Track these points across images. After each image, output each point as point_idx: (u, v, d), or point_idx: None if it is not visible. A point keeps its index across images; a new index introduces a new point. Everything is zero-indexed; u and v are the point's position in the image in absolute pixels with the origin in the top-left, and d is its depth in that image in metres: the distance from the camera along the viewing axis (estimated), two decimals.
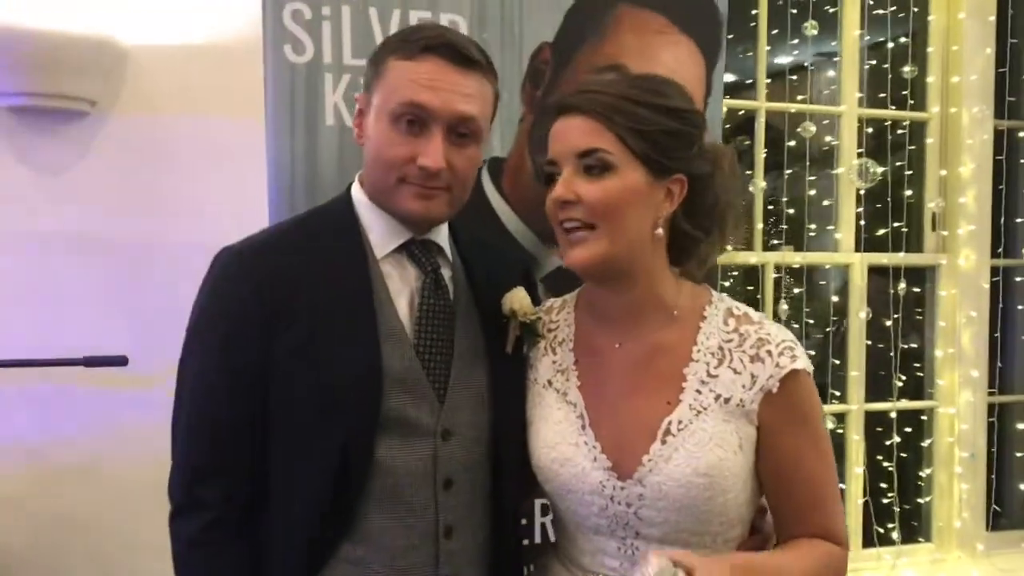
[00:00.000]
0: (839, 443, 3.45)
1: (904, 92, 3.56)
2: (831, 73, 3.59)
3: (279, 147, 2.04)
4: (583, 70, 2.19)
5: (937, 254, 3.62)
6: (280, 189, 2.04)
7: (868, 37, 3.54)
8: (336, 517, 1.48)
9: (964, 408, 3.59)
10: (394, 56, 1.52)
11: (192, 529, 1.48)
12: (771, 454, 1.51)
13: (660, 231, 1.51)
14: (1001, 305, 3.66)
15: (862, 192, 3.48)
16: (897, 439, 3.51)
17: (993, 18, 3.55)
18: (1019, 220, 3.68)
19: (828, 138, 3.55)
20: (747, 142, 3.41)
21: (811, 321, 3.46)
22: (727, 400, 1.49)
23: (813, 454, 1.52)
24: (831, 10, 3.50)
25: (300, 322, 1.48)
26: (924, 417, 3.68)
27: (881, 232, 3.51)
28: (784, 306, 3.38)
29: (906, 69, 3.51)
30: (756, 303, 3.33)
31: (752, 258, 3.38)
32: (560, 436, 1.55)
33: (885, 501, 3.51)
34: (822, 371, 3.43)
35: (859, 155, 3.47)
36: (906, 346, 3.58)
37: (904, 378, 3.57)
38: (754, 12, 3.38)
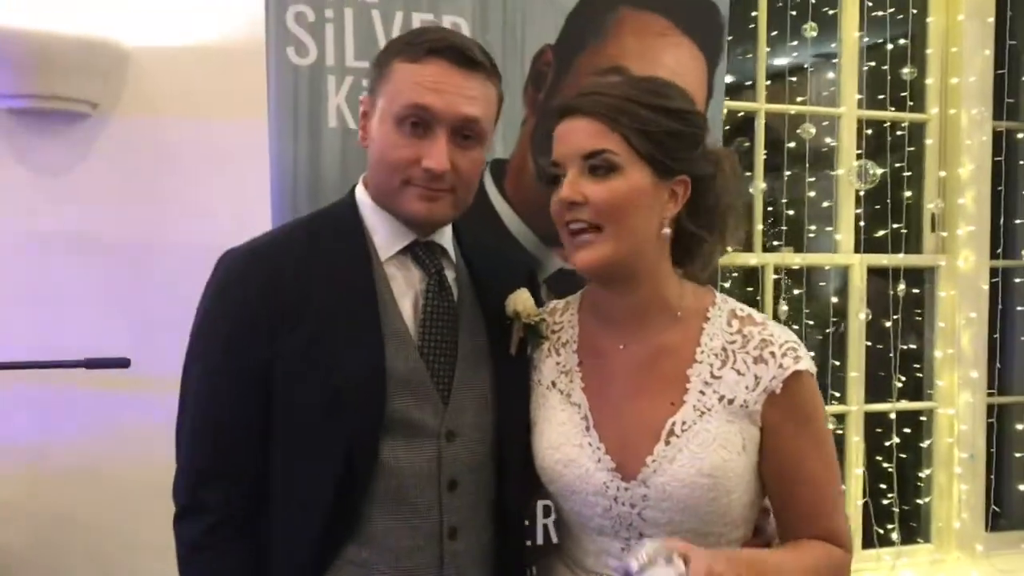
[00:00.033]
0: (839, 444, 3.46)
1: (903, 93, 3.58)
2: (830, 75, 3.60)
3: (282, 149, 2.04)
4: (585, 72, 2.19)
5: (936, 255, 3.63)
6: (282, 191, 2.03)
7: (867, 39, 3.55)
8: (340, 519, 1.48)
9: (963, 409, 3.60)
10: (398, 59, 1.52)
11: (196, 532, 1.48)
12: (774, 455, 1.51)
13: (667, 231, 1.52)
14: (1000, 306, 3.68)
15: (861, 193, 3.50)
16: (896, 440, 3.53)
17: (992, 20, 3.57)
18: (1018, 221, 3.69)
19: (827, 139, 3.55)
20: (746, 143, 3.42)
21: (811, 322, 3.47)
22: (731, 401, 1.50)
23: (816, 455, 1.52)
24: (830, 12, 3.50)
25: (304, 324, 1.48)
26: (923, 418, 3.70)
27: (880, 233, 3.53)
28: (784, 307, 3.39)
29: (905, 70, 3.52)
30: (756, 304, 3.33)
31: (752, 259, 3.38)
32: (564, 437, 1.55)
33: (885, 502, 3.52)
34: (822, 372, 3.43)
35: (858, 156, 3.48)
36: (905, 347, 3.59)
37: (903, 379, 3.59)
38: (753, 14, 3.39)
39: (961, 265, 3.60)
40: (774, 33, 3.43)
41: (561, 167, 1.50)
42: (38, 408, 2.38)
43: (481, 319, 1.63)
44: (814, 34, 3.37)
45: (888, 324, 3.50)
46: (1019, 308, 3.73)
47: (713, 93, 2.35)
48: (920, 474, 3.70)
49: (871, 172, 3.40)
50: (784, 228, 3.44)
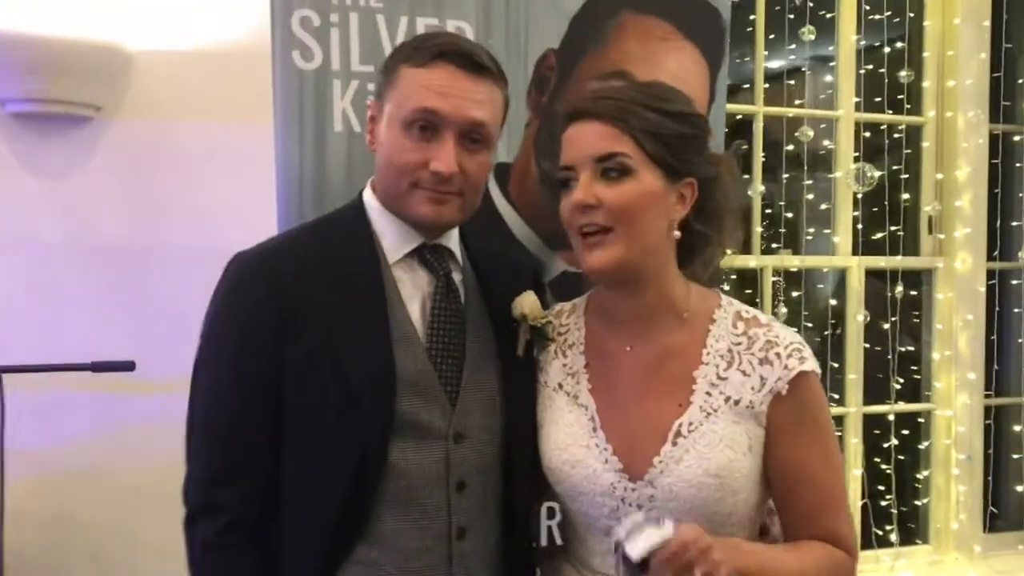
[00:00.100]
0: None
1: (900, 96, 3.60)
2: (828, 78, 3.62)
3: (287, 153, 2.05)
4: (588, 77, 2.20)
5: (933, 257, 3.65)
6: (288, 195, 2.04)
7: (864, 42, 3.56)
8: (350, 519, 1.49)
9: (961, 410, 3.62)
10: (406, 64, 1.53)
11: (208, 532, 1.48)
12: (777, 454, 1.52)
13: (677, 233, 1.53)
14: (997, 308, 3.70)
15: (859, 196, 3.51)
16: (895, 441, 3.54)
17: (988, 23, 3.59)
18: (1015, 223, 3.71)
19: (825, 142, 3.57)
20: (744, 146, 3.43)
21: (809, 324, 3.48)
22: (737, 402, 1.51)
23: (818, 455, 1.53)
24: (828, 15, 3.52)
25: (314, 328, 1.49)
26: (921, 420, 3.71)
27: (878, 235, 3.54)
28: (783, 309, 3.40)
29: (902, 74, 3.54)
30: (754, 307, 3.32)
31: (751, 262, 3.39)
32: (571, 438, 1.56)
33: (883, 503, 3.53)
34: (820, 374, 3.44)
35: (856, 159, 3.49)
36: (903, 349, 3.60)
37: (901, 381, 3.60)
38: (752, 17, 3.40)
39: (958, 267, 3.61)
40: (772, 36, 3.45)
41: (573, 171, 1.51)
42: (45, 411, 2.37)
43: (488, 321, 1.64)
44: (812, 37, 3.39)
45: (886, 326, 3.51)
46: (1016, 310, 3.75)
47: (715, 97, 2.37)
48: (918, 475, 3.71)
49: (868, 175, 3.42)
50: (782, 230, 3.45)
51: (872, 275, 3.55)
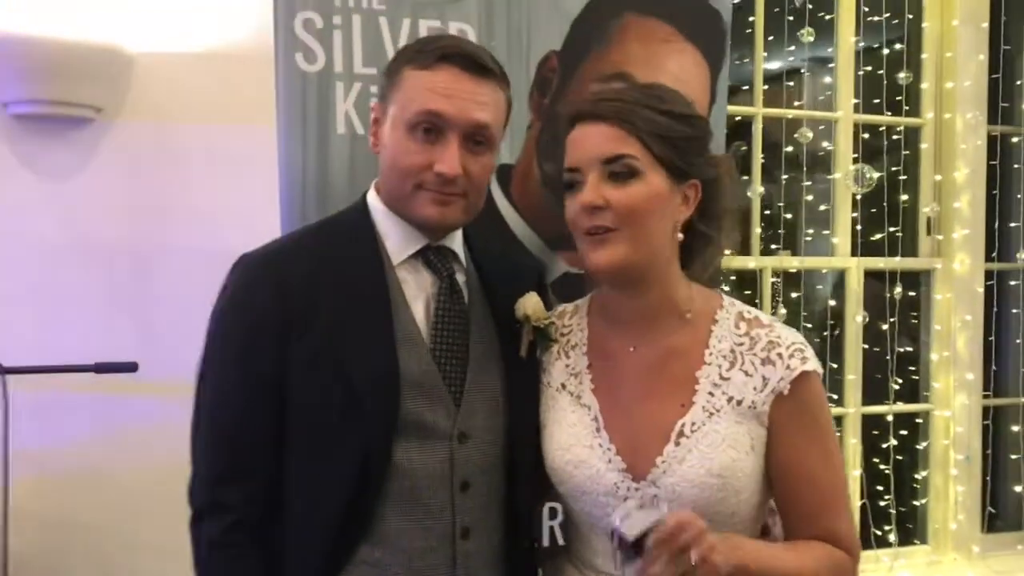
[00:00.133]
0: None
1: (899, 98, 3.60)
2: (827, 79, 3.62)
3: (290, 155, 2.05)
4: (589, 78, 2.21)
5: (932, 258, 3.66)
6: (291, 197, 2.04)
7: (863, 43, 3.57)
8: (354, 519, 1.49)
9: (959, 411, 3.63)
10: (410, 66, 1.54)
11: (214, 531, 1.49)
12: (779, 455, 1.53)
13: (681, 235, 1.55)
14: (995, 309, 3.70)
15: (858, 197, 3.51)
16: (893, 442, 3.54)
17: (986, 25, 3.60)
18: (1013, 224, 3.71)
19: (824, 143, 3.58)
20: (744, 147, 3.44)
21: (808, 325, 3.49)
22: (739, 402, 1.52)
23: (818, 455, 1.53)
24: (827, 17, 3.53)
25: (318, 329, 1.50)
26: (920, 420, 3.72)
27: (877, 236, 3.54)
28: (782, 310, 3.40)
29: (901, 75, 3.55)
30: (753, 307, 3.34)
31: (750, 263, 3.40)
32: (575, 438, 1.57)
33: (882, 503, 3.54)
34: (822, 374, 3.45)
35: (855, 160, 3.50)
36: (902, 350, 3.61)
37: (900, 381, 3.60)
38: (751, 19, 3.41)
39: (957, 268, 3.62)
40: (771, 38, 3.45)
41: (579, 172, 1.52)
42: (46, 412, 2.37)
43: (491, 322, 1.65)
44: (811, 39, 3.40)
45: (884, 327, 3.52)
46: (1014, 311, 3.75)
47: (716, 99, 2.37)
48: (917, 476, 3.71)
49: (867, 176, 3.43)
50: (781, 232, 3.46)
51: (871, 276, 3.56)
